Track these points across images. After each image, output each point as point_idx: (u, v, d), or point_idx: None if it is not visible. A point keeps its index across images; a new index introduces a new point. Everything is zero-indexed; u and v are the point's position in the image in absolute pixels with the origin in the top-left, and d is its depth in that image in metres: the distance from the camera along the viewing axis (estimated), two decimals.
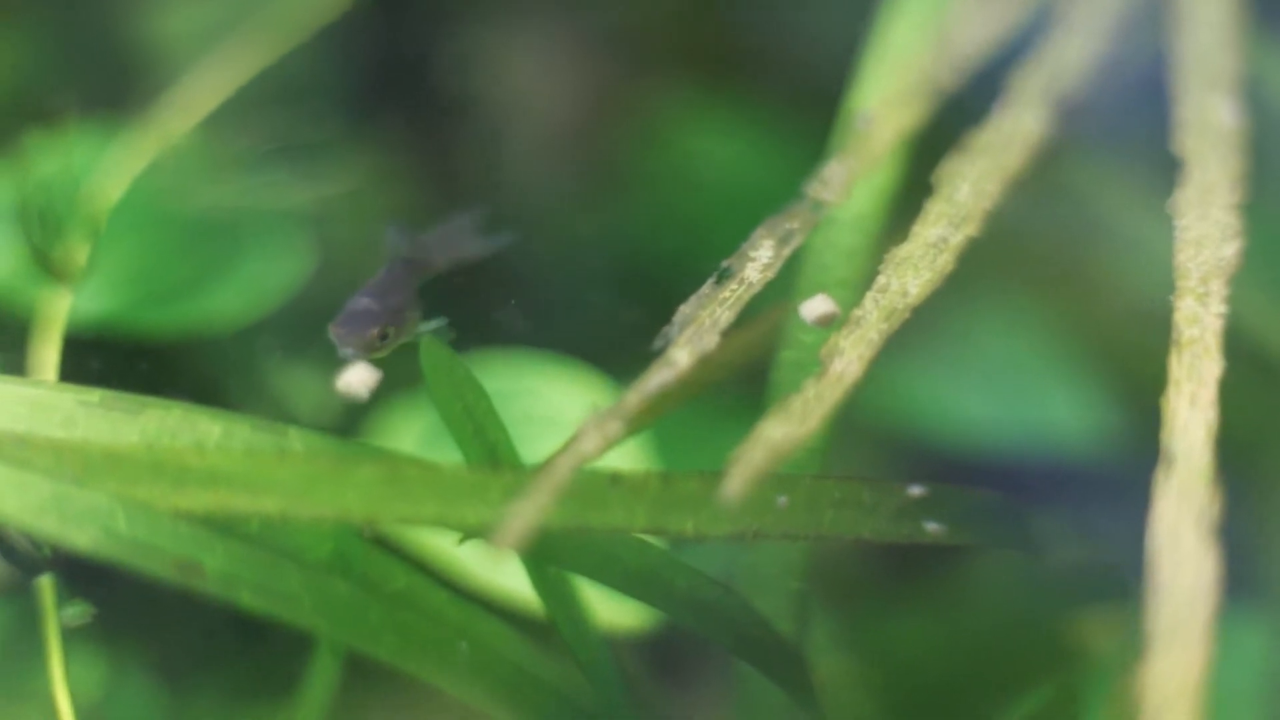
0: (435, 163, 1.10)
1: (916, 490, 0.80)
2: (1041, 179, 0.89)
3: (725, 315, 0.81)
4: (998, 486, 0.83)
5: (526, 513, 0.74)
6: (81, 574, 0.85)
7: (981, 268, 0.85)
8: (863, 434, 0.98)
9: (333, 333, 0.85)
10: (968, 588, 0.96)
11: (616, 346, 0.97)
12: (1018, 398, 1.00)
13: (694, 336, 0.80)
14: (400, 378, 0.92)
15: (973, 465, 0.99)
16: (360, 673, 0.85)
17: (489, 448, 0.79)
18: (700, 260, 1.02)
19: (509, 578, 0.87)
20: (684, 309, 0.81)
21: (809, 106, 1.08)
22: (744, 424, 0.94)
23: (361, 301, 0.85)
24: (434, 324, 0.86)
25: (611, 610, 0.88)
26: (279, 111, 1.05)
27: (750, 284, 0.83)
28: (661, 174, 1.10)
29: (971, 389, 1.00)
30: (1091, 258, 1.03)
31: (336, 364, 0.85)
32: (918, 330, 0.82)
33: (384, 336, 0.84)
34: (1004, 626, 0.95)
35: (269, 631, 0.90)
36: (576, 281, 1.05)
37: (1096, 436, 0.98)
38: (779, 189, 1.05)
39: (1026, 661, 0.93)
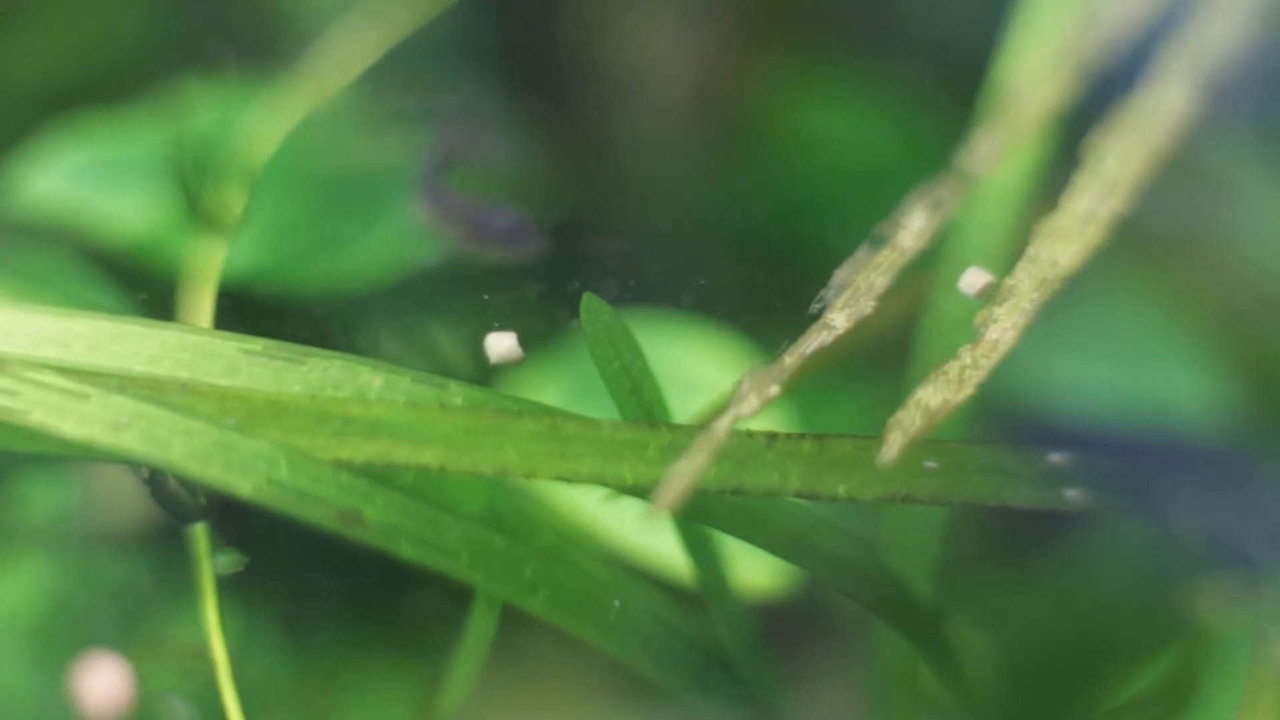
0: (569, 126, 1.10)
1: (1057, 457, 0.81)
2: (1180, 157, 0.89)
3: (880, 280, 0.82)
4: (1119, 460, 0.83)
5: (686, 472, 0.75)
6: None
7: (1113, 243, 0.85)
8: (986, 405, 0.98)
9: (431, 210, 0.85)
10: (1087, 557, 0.96)
11: (743, 307, 0.97)
12: (1142, 373, 1.00)
13: (851, 300, 0.81)
14: (541, 335, 0.93)
15: (1095, 438, 0.99)
16: None
17: (645, 406, 0.80)
18: (825, 228, 1.03)
19: (645, 536, 0.88)
20: (840, 273, 0.82)
21: (937, 78, 1.08)
22: (854, 389, 0.95)
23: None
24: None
25: (749, 571, 0.89)
26: (429, 72, 1.05)
27: (903, 250, 0.83)
28: (787, 142, 1.10)
29: (1096, 363, 1.00)
30: (1228, 238, 1.03)
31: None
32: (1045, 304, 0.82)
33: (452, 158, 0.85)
34: (1123, 596, 0.96)
35: (392, 591, 0.91)
36: (702, 245, 1.05)
37: (1220, 415, 0.99)
38: (905, 159, 1.05)
39: (1146, 631, 0.93)
